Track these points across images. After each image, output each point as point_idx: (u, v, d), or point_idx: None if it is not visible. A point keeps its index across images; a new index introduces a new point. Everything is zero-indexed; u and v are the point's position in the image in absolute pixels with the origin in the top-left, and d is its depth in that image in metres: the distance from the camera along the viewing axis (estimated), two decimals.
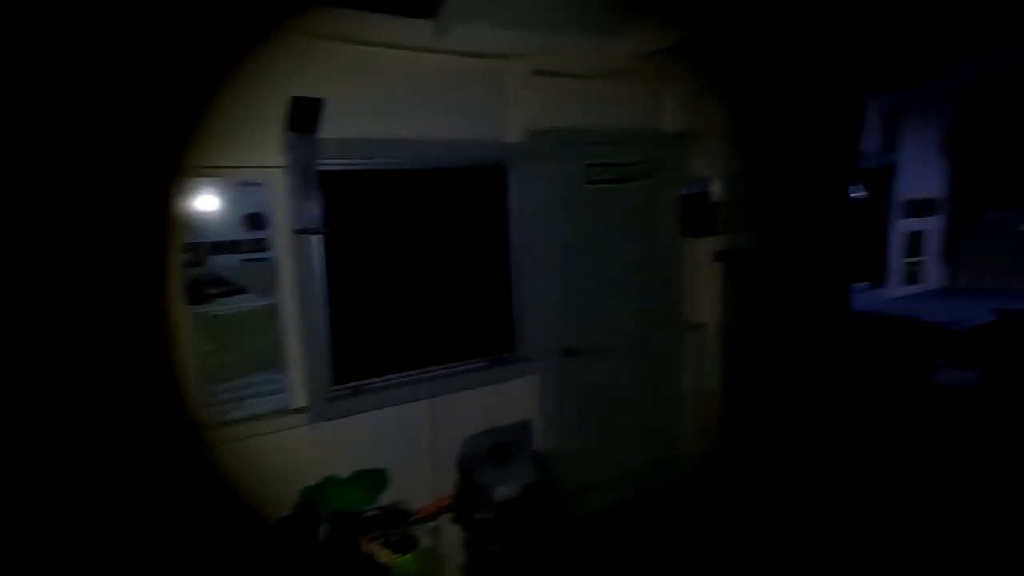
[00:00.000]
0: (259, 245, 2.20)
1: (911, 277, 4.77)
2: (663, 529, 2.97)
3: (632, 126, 3.03)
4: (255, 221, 2.18)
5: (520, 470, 2.61)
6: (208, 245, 2.10)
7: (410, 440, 2.57)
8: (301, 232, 2.22)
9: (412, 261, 2.58)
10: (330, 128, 2.19)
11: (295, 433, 2.29)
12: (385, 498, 2.34)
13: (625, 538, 2.90)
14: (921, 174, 4.64)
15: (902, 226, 4.61)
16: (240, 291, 2.17)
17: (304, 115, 2.11)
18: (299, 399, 2.32)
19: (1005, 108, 4.39)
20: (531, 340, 2.84)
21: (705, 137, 3.20)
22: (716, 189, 3.19)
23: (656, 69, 2.94)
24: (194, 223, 2.07)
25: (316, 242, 2.29)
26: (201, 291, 2.08)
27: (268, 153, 2.14)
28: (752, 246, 3.32)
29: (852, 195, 3.36)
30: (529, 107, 2.68)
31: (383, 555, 2.10)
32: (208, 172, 2.07)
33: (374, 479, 2.34)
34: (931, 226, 4.82)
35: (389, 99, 2.39)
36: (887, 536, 2.78)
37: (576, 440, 3.01)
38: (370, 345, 2.51)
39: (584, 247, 2.94)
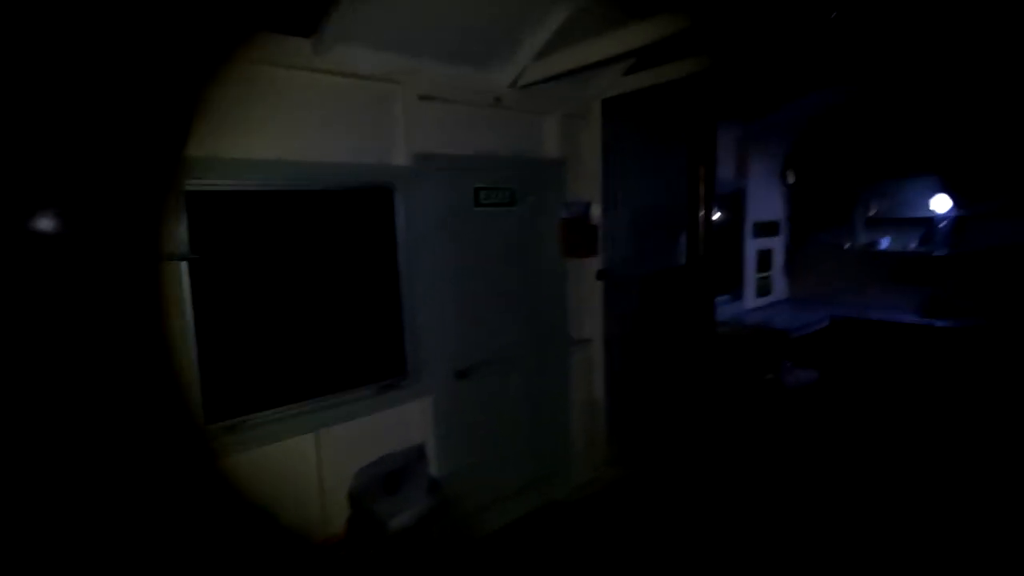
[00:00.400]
0: None
1: (763, 289, 5.41)
2: (560, 541, 3.05)
3: (516, 152, 3.15)
4: None
5: (415, 497, 2.56)
6: None
7: (297, 476, 2.42)
8: (166, 259, 2.03)
9: (294, 287, 2.45)
10: (201, 145, 2.04)
11: None
12: None
13: (523, 555, 2.94)
14: (766, 199, 5.31)
15: (753, 245, 5.23)
16: None
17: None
18: None
19: (829, 142, 5.17)
20: (422, 363, 2.81)
21: (583, 163, 3.41)
22: (594, 212, 3.40)
23: (536, 99, 3.09)
24: None
25: (183, 269, 2.11)
26: None
27: None
28: (628, 265, 3.58)
29: (712, 218, 3.76)
30: (416, 131, 2.69)
31: None
32: None
33: None
34: (776, 245, 5.52)
35: (268, 117, 2.26)
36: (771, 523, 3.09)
37: (470, 460, 3.01)
38: (248, 378, 2.34)
39: (472, 269, 2.98)
